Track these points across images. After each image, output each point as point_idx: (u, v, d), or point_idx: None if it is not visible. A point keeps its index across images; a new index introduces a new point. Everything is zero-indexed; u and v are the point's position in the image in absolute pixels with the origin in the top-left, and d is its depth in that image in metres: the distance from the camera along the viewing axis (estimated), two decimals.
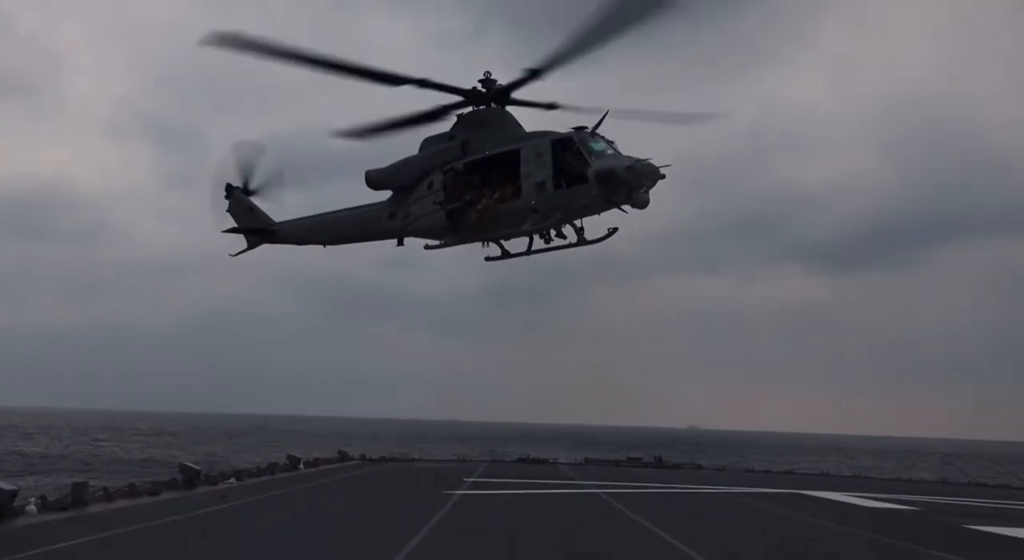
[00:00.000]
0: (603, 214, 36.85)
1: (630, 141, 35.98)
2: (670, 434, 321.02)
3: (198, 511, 26.55)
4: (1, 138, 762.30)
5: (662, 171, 34.55)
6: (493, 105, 39.13)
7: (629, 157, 34.82)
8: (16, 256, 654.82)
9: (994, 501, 42.01)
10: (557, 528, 25.61)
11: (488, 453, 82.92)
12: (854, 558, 21.65)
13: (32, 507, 25.23)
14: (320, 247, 45.82)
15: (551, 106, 37.79)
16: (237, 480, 37.91)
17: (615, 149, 35.56)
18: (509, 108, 39.44)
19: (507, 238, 39.00)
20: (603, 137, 35.97)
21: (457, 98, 39.06)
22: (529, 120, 39.30)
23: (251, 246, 47.33)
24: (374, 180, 41.73)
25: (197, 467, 36.54)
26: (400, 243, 42.66)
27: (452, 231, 39.50)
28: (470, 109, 39.61)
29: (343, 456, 57.20)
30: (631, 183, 34.38)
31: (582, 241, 37.62)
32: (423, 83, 37.63)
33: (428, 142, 41.10)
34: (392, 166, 41.52)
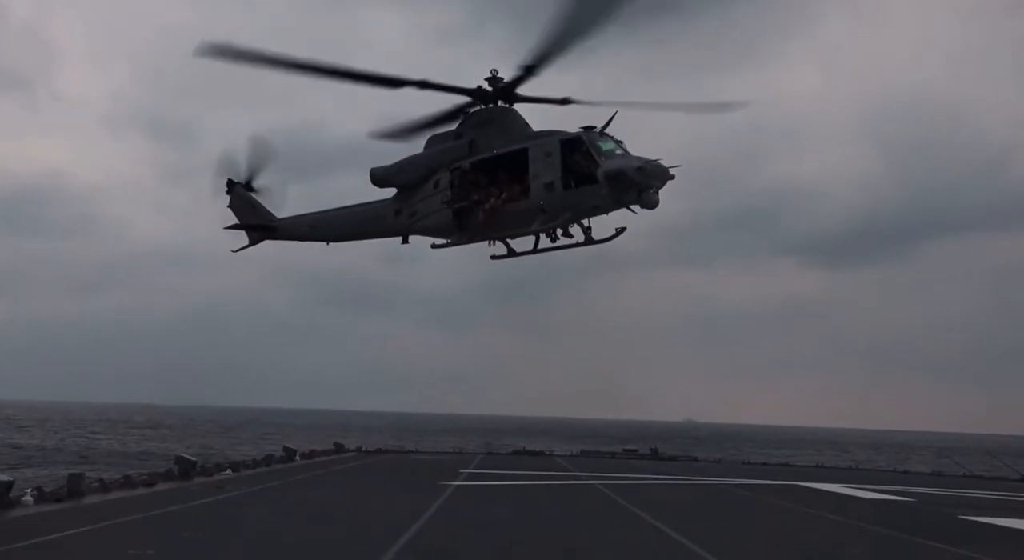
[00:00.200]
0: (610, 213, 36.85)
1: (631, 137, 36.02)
2: (666, 428, 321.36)
3: (194, 502, 26.52)
4: None
5: (672, 171, 34.50)
6: (501, 103, 39.06)
7: (639, 158, 34.73)
8: (10, 250, 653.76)
9: (990, 493, 42.06)
10: (553, 519, 25.59)
11: (484, 446, 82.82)
12: (851, 548, 21.63)
13: (28, 498, 25.20)
14: (318, 243, 45.74)
15: (565, 101, 37.59)
16: (233, 471, 37.89)
17: (624, 149, 35.48)
18: (519, 105, 39.35)
19: (514, 237, 38.94)
20: (612, 137, 35.89)
21: (464, 98, 38.99)
22: (542, 115, 39.18)
23: (253, 242, 47.09)
24: (379, 178, 41.58)
25: (193, 459, 36.51)
26: (405, 241, 42.53)
27: (459, 230, 39.35)
28: (478, 108, 39.54)
29: (339, 448, 57.20)
30: (641, 184, 34.29)
31: (589, 240, 37.49)
32: (423, 85, 37.54)
33: (434, 140, 40.93)
34: (397, 164, 41.39)
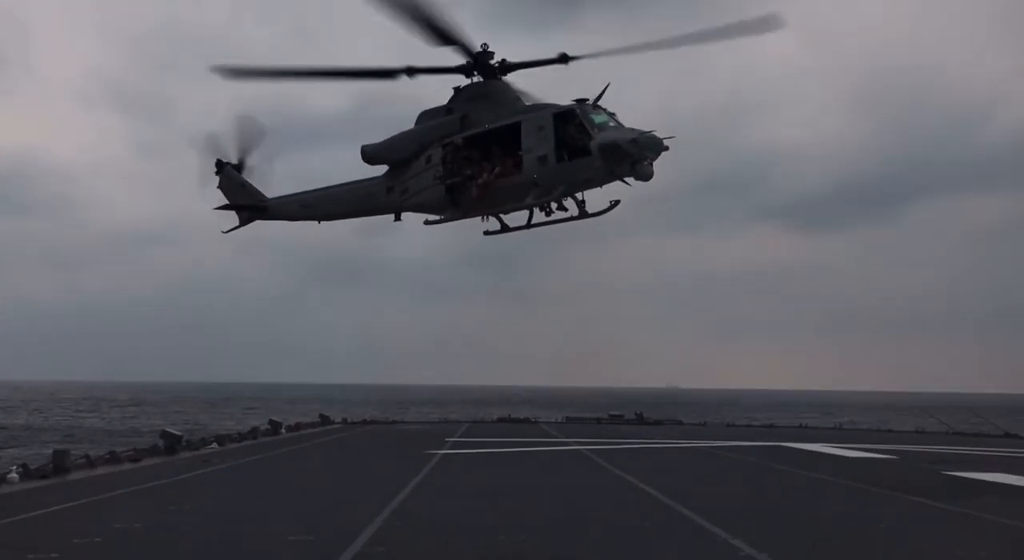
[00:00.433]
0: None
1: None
2: (650, 394, 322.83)
3: (180, 476, 26.51)
4: None
5: (665, 143, 34.36)
6: (494, 77, 38.88)
7: (633, 129, 34.63)
8: None
9: (972, 449, 42.43)
10: (539, 484, 25.73)
11: (469, 416, 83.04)
12: (833, 505, 21.79)
13: (14, 475, 25.10)
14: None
15: (563, 58, 37.29)
16: (219, 445, 37.86)
17: (617, 121, 35.40)
18: (512, 76, 39.14)
19: (508, 212, 38.82)
20: (605, 109, 35.79)
21: (457, 76, 38.93)
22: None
23: (243, 223, 46.85)
24: (370, 155, 41.39)
25: (178, 433, 36.45)
26: (398, 218, 42.38)
27: (452, 206, 39.24)
28: (467, 82, 39.38)
29: (325, 420, 57.21)
30: (635, 156, 34.23)
31: (583, 214, 37.47)
32: (411, 71, 37.51)
33: (425, 115, 40.77)
34: (388, 140, 41.21)
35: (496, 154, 37.81)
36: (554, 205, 37.82)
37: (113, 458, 30.79)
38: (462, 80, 39.47)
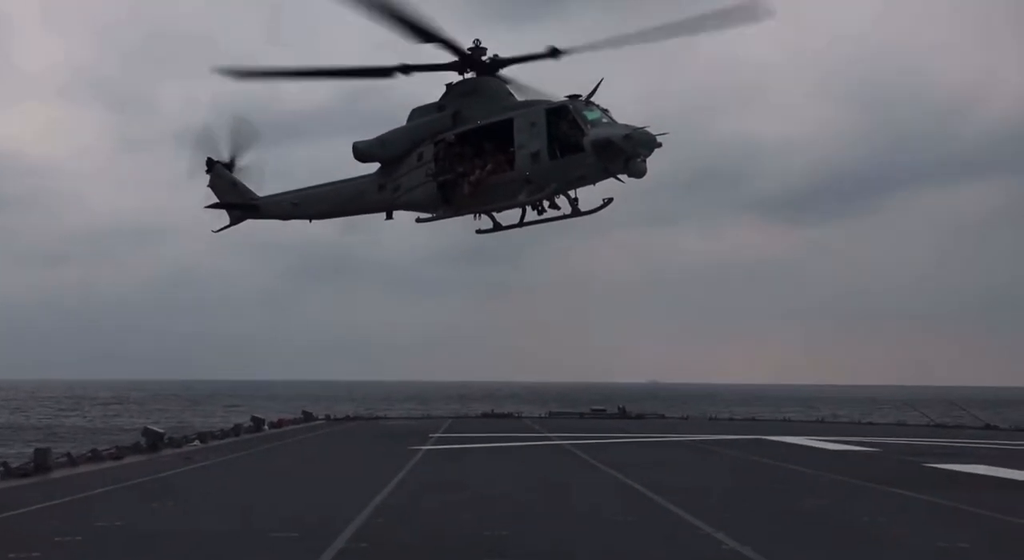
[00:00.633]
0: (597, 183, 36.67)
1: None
2: (631, 389, 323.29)
3: (162, 473, 26.43)
4: None
5: (659, 140, 34.31)
6: (486, 72, 38.82)
7: (626, 125, 34.53)
8: None
9: (953, 441, 42.70)
10: (522, 480, 25.73)
11: (452, 411, 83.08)
12: (815, 498, 21.89)
13: None
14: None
15: (554, 52, 37.15)
16: (201, 442, 37.72)
17: (610, 117, 35.30)
18: (506, 72, 39.04)
19: (500, 210, 38.72)
20: (598, 105, 35.69)
21: (450, 73, 38.88)
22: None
23: (234, 222, 46.49)
24: (362, 152, 41.16)
25: (161, 431, 36.30)
26: (389, 216, 42.23)
27: (444, 203, 39.05)
28: (460, 78, 39.32)
29: (308, 416, 57.10)
30: (628, 152, 34.12)
31: (576, 212, 37.35)
32: (406, 69, 37.47)
33: (417, 112, 40.62)
34: (380, 137, 41.00)
35: (488, 151, 37.70)
36: (546, 203, 37.74)
37: (95, 456, 30.64)
38: (454, 76, 39.40)
